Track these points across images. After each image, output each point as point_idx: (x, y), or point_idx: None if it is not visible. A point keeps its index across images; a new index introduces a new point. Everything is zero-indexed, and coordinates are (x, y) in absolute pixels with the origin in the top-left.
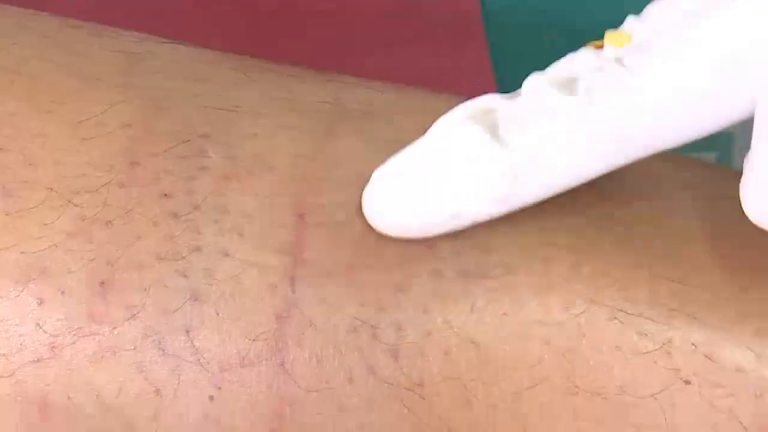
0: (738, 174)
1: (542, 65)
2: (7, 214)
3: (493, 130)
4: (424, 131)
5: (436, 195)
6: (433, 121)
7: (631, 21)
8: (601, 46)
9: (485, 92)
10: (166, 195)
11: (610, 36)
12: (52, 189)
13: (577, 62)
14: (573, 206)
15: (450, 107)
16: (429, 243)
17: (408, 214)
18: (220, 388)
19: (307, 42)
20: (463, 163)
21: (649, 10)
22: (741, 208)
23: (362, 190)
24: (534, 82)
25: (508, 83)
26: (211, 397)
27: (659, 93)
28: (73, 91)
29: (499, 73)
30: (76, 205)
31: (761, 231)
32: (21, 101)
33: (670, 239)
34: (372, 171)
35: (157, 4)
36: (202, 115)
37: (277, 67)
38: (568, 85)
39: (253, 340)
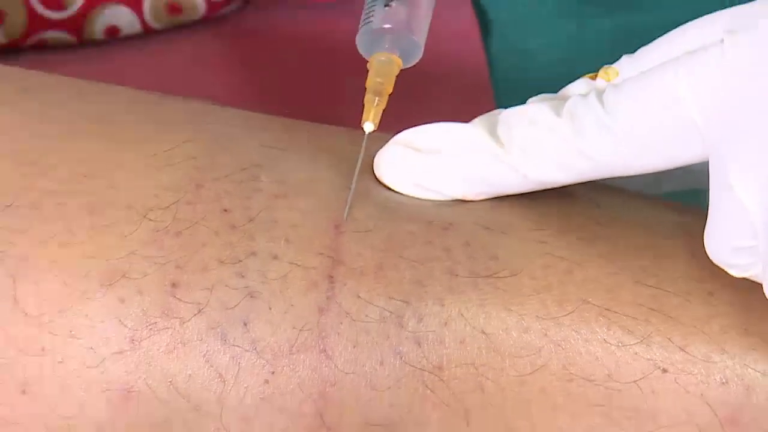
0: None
1: None
2: (92, 228)
3: (491, 128)
4: None
5: (432, 172)
6: None
7: (623, 59)
8: (595, 77)
9: None
10: (225, 210)
11: (603, 70)
12: (130, 207)
13: (571, 89)
14: (567, 227)
15: None
16: (446, 248)
17: (410, 187)
18: (273, 372)
19: (335, 101)
20: (460, 150)
21: (639, 51)
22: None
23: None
24: (536, 98)
25: None
26: (266, 381)
27: (620, 133)
28: (149, 133)
29: None
30: (150, 220)
31: None
32: (106, 141)
33: (649, 256)
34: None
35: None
36: (256, 151)
37: (314, 124)
38: (557, 106)
39: (300, 329)
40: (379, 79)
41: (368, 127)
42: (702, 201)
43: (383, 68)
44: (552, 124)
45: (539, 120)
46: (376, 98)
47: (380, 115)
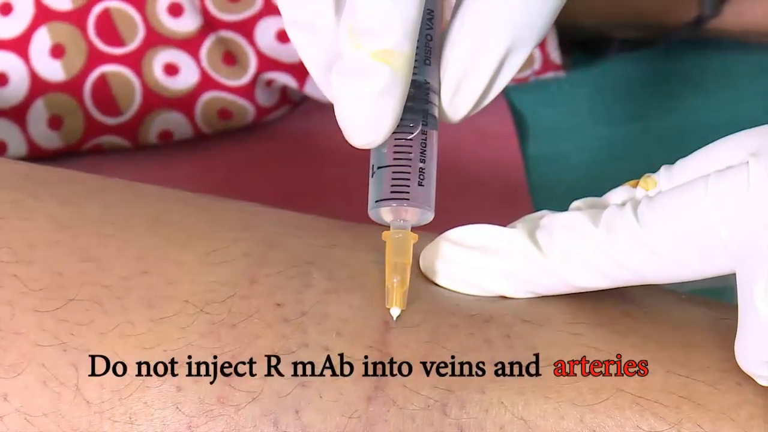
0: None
1: None
2: (151, 321)
3: (532, 233)
4: None
5: (476, 270)
6: None
7: (662, 169)
8: (636, 185)
9: None
10: (279, 305)
11: (644, 179)
12: (187, 301)
13: (612, 196)
14: (601, 321)
15: None
16: (487, 339)
17: (454, 282)
18: None
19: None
20: (504, 252)
21: (677, 163)
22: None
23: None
24: (578, 202)
25: None
26: None
27: (653, 247)
28: (204, 232)
29: None
30: (206, 313)
31: None
32: (163, 239)
33: (679, 347)
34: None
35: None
36: (307, 249)
37: (357, 223)
38: (595, 215)
39: (349, 417)
40: (397, 260)
41: (395, 312)
42: (726, 297)
43: (399, 246)
44: (590, 234)
45: (578, 229)
46: (398, 279)
47: (404, 296)
